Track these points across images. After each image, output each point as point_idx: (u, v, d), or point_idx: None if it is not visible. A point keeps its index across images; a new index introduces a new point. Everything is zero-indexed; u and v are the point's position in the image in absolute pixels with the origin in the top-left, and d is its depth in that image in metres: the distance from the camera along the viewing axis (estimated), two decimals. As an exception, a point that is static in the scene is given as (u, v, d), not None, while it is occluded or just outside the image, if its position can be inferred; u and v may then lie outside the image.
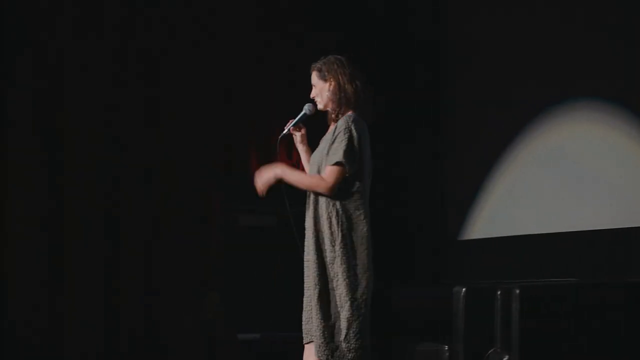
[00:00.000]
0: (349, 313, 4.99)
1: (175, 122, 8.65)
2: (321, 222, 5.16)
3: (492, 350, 5.79)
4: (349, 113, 5.16)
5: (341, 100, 5.18)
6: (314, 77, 5.26)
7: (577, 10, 7.46)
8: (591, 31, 7.22)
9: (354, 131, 5.10)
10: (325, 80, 5.20)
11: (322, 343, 5.03)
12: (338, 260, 5.06)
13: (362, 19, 9.12)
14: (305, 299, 5.19)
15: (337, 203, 5.12)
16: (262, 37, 8.99)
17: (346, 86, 5.20)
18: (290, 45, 9.00)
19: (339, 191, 5.10)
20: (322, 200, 5.15)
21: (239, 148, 8.91)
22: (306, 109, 5.36)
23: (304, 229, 5.28)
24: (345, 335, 4.99)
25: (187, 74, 8.72)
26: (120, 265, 8.47)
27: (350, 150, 5.10)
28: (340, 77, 5.20)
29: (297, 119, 5.38)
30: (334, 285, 5.07)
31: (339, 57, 5.30)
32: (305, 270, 5.19)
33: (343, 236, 5.08)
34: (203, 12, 8.82)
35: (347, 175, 5.09)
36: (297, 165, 8.78)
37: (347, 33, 8.93)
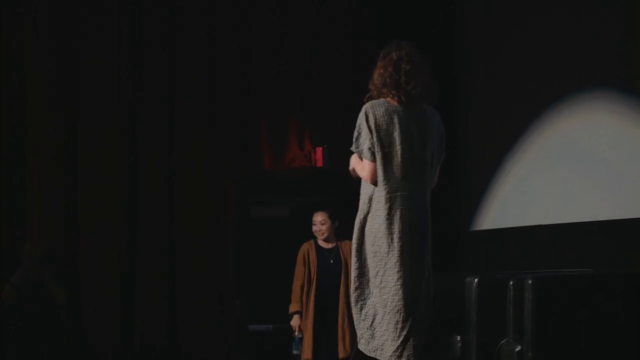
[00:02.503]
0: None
1: (188, 117, 8.68)
2: None
3: (504, 340, 5.76)
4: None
5: (373, 88, 5.38)
6: None
7: (591, 1, 7.43)
8: (606, 21, 7.19)
9: (359, 116, 5.34)
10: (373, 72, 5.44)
11: None
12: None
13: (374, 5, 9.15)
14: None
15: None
16: (277, 30, 9.02)
17: (380, 71, 5.36)
18: (305, 38, 9.03)
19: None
20: None
21: (251, 140, 8.93)
22: None
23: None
24: None
25: (200, 68, 8.74)
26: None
27: (356, 137, 5.35)
28: (379, 64, 5.40)
29: None
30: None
31: (390, 44, 5.43)
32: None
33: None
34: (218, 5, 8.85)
35: (366, 159, 5.26)
36: (308, 156, 8.83)
37: (355, 23, 8.96)
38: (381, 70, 5.35)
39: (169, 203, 8.64)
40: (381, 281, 5.25)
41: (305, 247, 8.10)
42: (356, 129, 5.33)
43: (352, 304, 5.36)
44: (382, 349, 5.27)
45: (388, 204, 5.22)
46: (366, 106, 5.31)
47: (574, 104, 7.38)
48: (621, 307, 5.77)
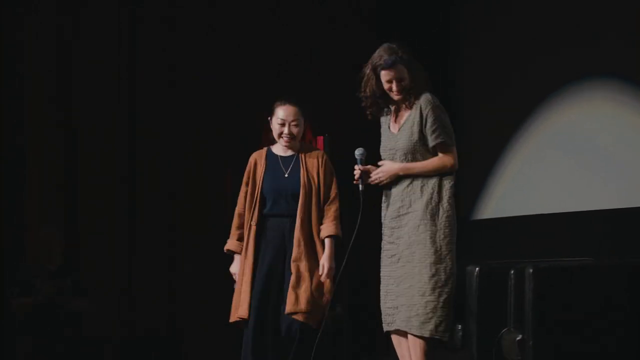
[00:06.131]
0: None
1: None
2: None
3: (505, 329, 5.74)
4: (426, 93, 5.37)
5: (417, 84, 5.37)
6: (400, 69, 5.31)
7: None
8: (606, 8, 7.19)
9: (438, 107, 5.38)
10: (409, 69, 5.33)
11: None
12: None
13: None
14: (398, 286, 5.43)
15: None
16: (277, 30, 9.04)
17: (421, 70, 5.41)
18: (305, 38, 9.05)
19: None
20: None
21: (251, 139, 8.93)
22: (358, 155, 5.44)
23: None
24: None
25: (200, 68, 8.76)
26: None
27: (447, 128, 5.43)
28: (417, 66, 5.41)
29: (359, 173, 5.43)
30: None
31: (398, 44, 5.44)
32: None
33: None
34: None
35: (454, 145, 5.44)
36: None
37: (355, 23, 8.97)
38: (425, 74, 5.42)
39: (169, 203, 8.63)
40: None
41: (253, 157, 5.78)
42: (440, 122, 5.36)
43: (429, 291, 5.45)
44: (444, 331, 5.49)
45: (453, 190, 5.48)
46: (432, 97, 5.38)
47: (575, 92, 7.41)
48: (622, 297, 5.75)
